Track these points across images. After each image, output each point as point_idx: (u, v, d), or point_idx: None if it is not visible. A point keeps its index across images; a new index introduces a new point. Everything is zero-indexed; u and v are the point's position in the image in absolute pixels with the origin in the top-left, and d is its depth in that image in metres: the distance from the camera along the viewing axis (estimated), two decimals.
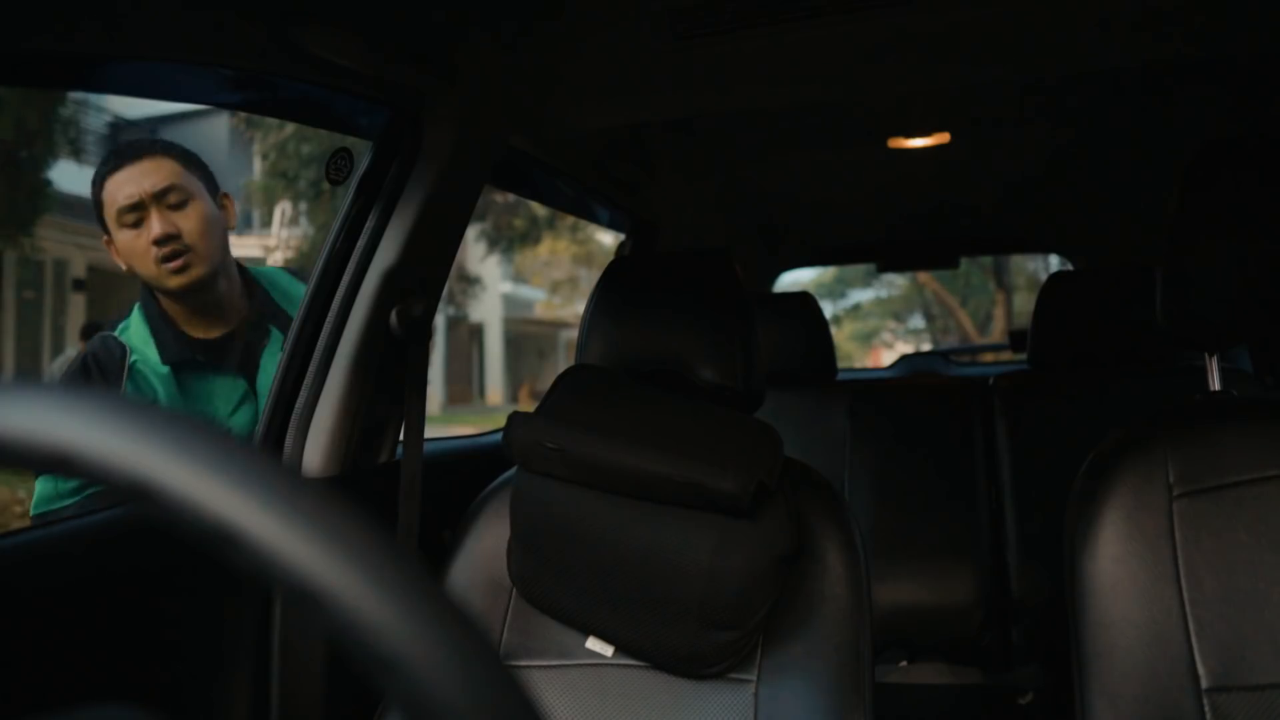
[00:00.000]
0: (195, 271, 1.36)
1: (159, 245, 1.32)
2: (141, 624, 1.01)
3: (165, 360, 1.37)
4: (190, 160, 1.39)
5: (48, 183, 8.60)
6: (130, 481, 0.26)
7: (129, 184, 1.32)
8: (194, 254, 1.35)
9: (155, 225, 1.32)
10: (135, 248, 1.34)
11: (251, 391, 1.44)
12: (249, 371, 1.45)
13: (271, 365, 1.42)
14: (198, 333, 1.42)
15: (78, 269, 9.77)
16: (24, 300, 9.40)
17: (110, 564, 0.99)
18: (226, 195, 1.44)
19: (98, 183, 1.34)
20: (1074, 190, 2.51)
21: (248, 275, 1.49)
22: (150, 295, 1.40)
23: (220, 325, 1.43)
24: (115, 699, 0.95)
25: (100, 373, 1.35)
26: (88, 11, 0.79)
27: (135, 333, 1.40)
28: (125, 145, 1.36)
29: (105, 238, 1.37)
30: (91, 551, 0.98)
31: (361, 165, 1.23)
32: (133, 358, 1.37)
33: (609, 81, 1.40)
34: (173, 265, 1.34)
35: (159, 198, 1.33)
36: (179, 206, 1.34)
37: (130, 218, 1.32)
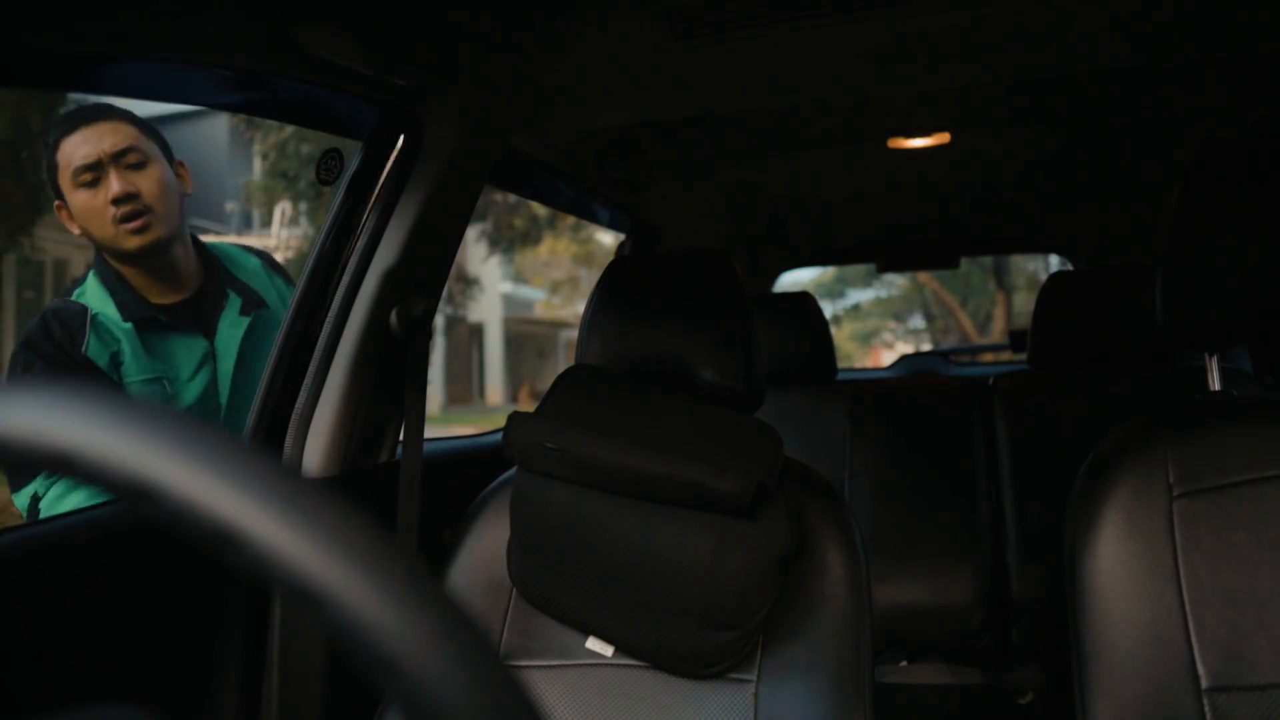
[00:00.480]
0: (155, 232, 1.35)
1: (118, 204, 1.31)
2: (138, 623, 1.01)
3: (127, 317, 1.37)
4: (145, 126, 1.37)
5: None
6: (130, 482, 0.26)
7: (86, 144, 1.30)
8: (153, 214, 1.34)
9: (114, 184, 1.30)
10: (92, 208, 1.32)
11: (212, 352, 1.45)
12: (208, 334, 1.45)
13: (229, 329, 1.44)
14: (155, 299, 1.41)
15: (77, 269, 9.78)
16: (24, 300, 9.40)
17: (106, 561, 0.99)
18: (181, 163, 1.43)
19: (52, 145, 1.32)
20: (1074, 190, 2.51)
21: (201, 245, 1.48)
22: (104, 261, 1.39)
23: (177, 292, 1.43)
24: (112, 698, 0.96)
25: (63, 328, 1.34)
26: (87, 11, 0.79)
27: (93, 296, 1.38)
28: (79, 110, 1.35)
29: (57, 203, 1.35)
30: (87, 549, 0.98)
31: (353, 165, 1.23)
32: (94, 311, 1.36)
33: (609, 81, 1.40)
34: (132, 225, 1.32)
35: (117, 158, 1.32)
36: (138, 167, 1.33)
37: (87, 176, 1.31)
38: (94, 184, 1.31)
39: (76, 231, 1.34)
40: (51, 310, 1.37)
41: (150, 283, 1.40)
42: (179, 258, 1.42)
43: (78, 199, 1.32)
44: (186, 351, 1.43)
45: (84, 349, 1.33)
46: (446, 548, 1.15)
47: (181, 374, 1.42)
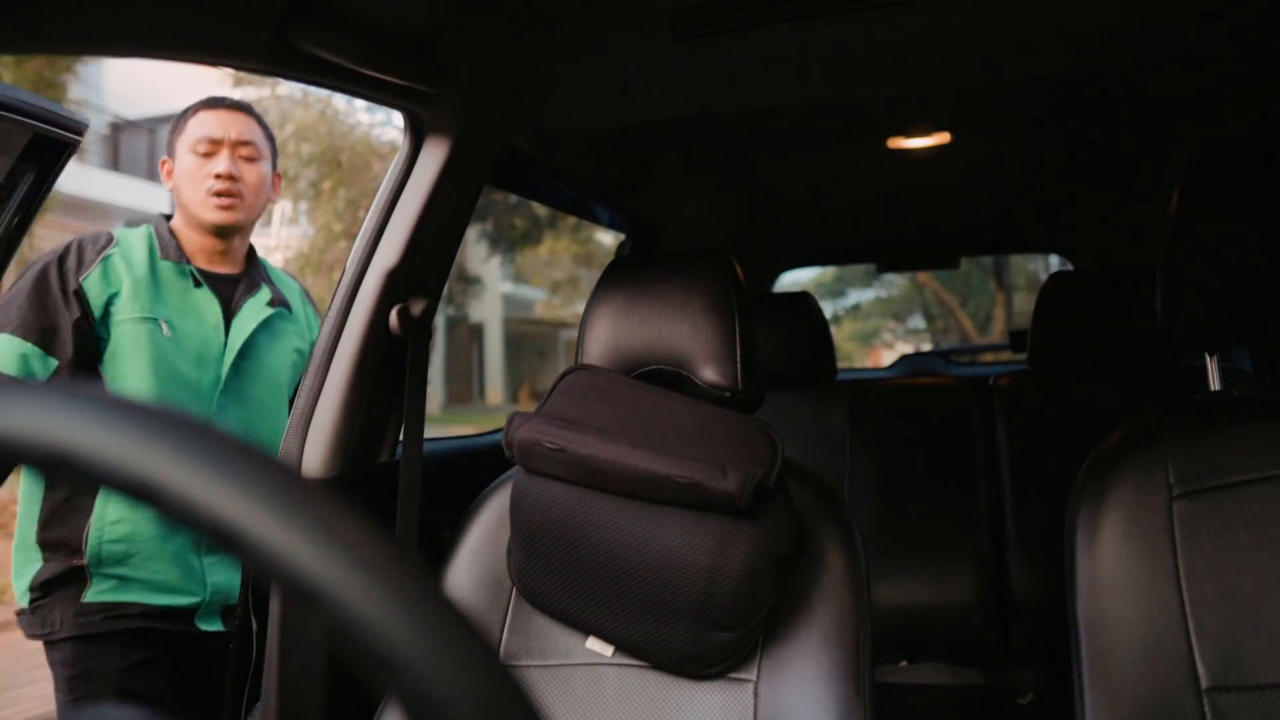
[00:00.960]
0: (236, 215, 1.51)
1: (219, 179, 1.48)
2: None
3: (163, 256, 1.49)
4: (269, 136, 1.59)
5: None
6: (131, 482, 0.26)
7: (217, 123, 1.50)
8: (242, 200, 1.51)
9: (224, 162, 1.50)
10: (194, 173, 1.50)
11: (226, 323, 1.52)
12: (229, 307, 1.54)
13: (251, 312, 1.54)
14: (197, 263, 1.54)
15: None
16: None
17: None
18: (279, 175, 1.63)
19: (188, 113, 1.53)
20: (1074, 190, 2.51)
21: (253, 248, 1.64)
22: (166, 218, 1.55)
23: (219, 267, 1.57)
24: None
25: (77, 255, 1.43)
26: (85, 10, 0.79)
27: (136, 234, 1.51)
28: (224, 97, 1.55)
29: (164, 159, 1.55)
30: None
31: (24, 187, 1.25)
32: (112, 249, 1.45)
33: (609, 81, 1.40)
34: (222, 201, 1.49)
35: (237, 145, 1.51)
36: (249, 160, 1.53)
37: (205, 147, 1.50)
38: (207, 156, 1.50)
39: (169, 186, 1.53)
40: (85, 238, 1.47)
41: (200, 251, 1.54)
42: (236, 245, 1.57)
43: (186, 161, 1.50)
44: (200, 308, 1.51)
45: (82, 278, 1.40)
46: (446, 548, 1.15)
47: (185, 324, 1.48)
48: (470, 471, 1.44)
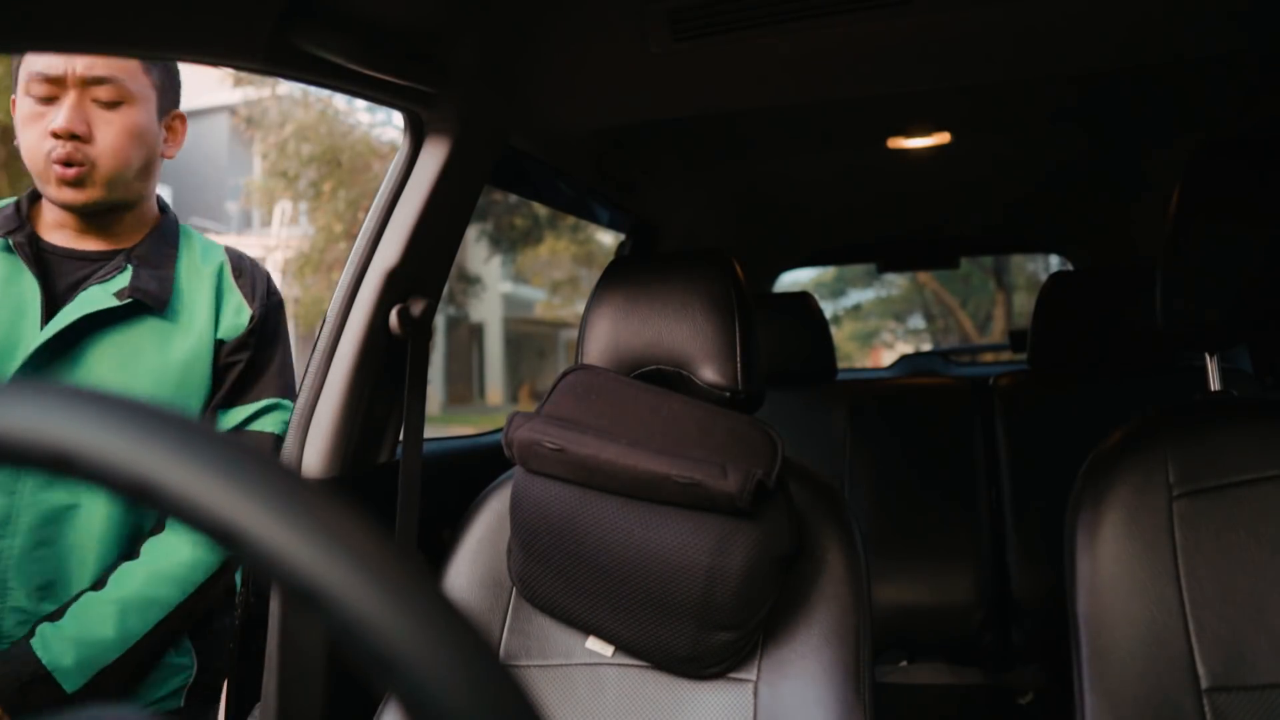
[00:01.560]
0: (90, 193, 1.08)
1: (58, 139, 1.05)
2: None
3: None
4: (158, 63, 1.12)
5: None
6: (131, 482, 0.26)
7: None
8: (96, 170, 1.07)
9: (62, 116, 1.04)
10: (29, 125, 1.06)
11: (46, 310, 1.08)
12: (50, 285, 1.10)
13: (89, 299, 1.09)
14: (59, 240, 1.12)
15: None
16: None
17: None
18: (180, 116, 1.18)
19: None
20: (1074, 190, 2.51)
21: (167, 225, 1.20)
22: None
23: (82, 240, 1.14)
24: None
25: None
26: (85, 10, 0.79)
27: None
28: None
29: (13, 98, 1.09)
30: None
31: None
32: None
33: (609, 82, 1.40)
34: (66, 173, 1.05)
35: (87, 84, 1.05)
36: (109, 106, 1.07)
37: (42, 90, 1.04)
38: (47, 101, 1.05)
39: (17, 141, 1.08)
40: None
41: (61, 225, 1.13)
42: (120, 225, 1.14)
43: (24, 108, 1.06)
44: (21, 295, 1.08)
45: None
46: (446, 548, 1.15)
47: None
48: (470, 471, 1.44)
